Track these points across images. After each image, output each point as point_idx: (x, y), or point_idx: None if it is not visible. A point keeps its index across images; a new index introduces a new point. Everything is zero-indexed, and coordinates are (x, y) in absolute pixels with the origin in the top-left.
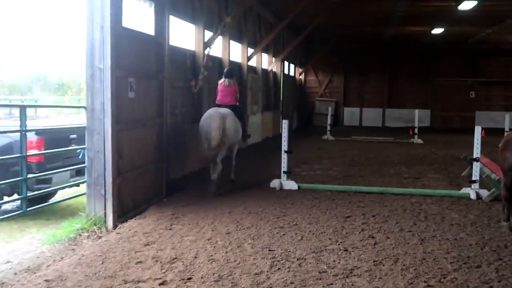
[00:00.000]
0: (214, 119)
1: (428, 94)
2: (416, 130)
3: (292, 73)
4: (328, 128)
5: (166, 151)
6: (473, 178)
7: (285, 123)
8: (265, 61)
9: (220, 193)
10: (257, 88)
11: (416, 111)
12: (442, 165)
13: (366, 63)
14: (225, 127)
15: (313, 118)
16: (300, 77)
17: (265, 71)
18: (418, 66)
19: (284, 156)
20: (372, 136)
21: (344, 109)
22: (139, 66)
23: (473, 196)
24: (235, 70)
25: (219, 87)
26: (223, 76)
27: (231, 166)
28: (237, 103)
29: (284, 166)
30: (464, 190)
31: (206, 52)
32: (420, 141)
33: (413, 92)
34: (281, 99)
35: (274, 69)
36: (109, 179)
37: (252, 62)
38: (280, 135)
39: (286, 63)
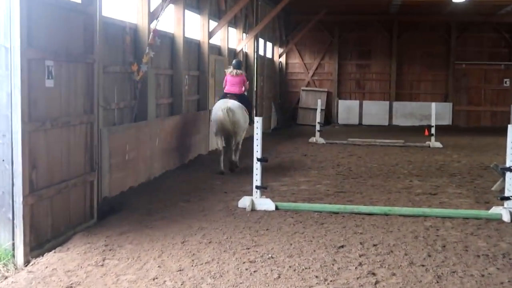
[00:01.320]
0: (224, 113)
1: (449, 83)
2: (433, 130)
3: (269, 55)
4: (318, 127)
5: (98, 160)
6: (507, 194)
7: (258, 122)
8: (233, 38)
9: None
10: (222, 74)
11: (433, 105)
12: (466, 176)
13: (367, 42)
14: (235, 120)
15: (297, 115)
16: (280, 59)
17: (233, 52)
18: (436, 46)
19: (257, 166)
20: (375, 139)
21: (339, 102)
22: (60, 44)
23: (506, 217)
24: (242, 61)
25: (227, 77)
26: (232, 66)
27: (236, 151)
28: (245, 92)
29: (257, 180)
30: (495, 210)
31: (152, 26)
32: (438, 144)
33: (429, 80)
34: (254, 89)
35: (246, 49)
36: (19, 198)
37: (216, 40)
38: (252, 137)
39: (261, 41)
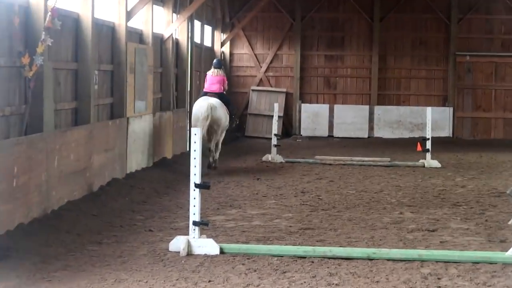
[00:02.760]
0: (203, 109)
1: (449, 81)
2: (428, 145)
3: (208, 42)
4: (274, 141)
5: None
6: None
7: (195, 134)
8: (159, 20)
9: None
10: (143, 69)
11: (428, 110)
12: (474, 206)
13: (340, 26)
14: (216, 117)
15: (246, 124)
16: (223, 49)
17: (159, 39)
18: (431, 32)
19: (194, 194)
20: (351, 156)
21: (302, 106)
22: None
23: None
24: (220, 60)
25: (208, 76)
26: (213, 66)
27: (216, 150)
28: (224, 92)
29: (194, 213)
30: None
31: (50, 3)
32: (435, 163)
33: (422, 78)
34: (189, 88)
35: (176, 35)
36: None
37: (136, 22)
38: (187, 154)
39: (197, 24)
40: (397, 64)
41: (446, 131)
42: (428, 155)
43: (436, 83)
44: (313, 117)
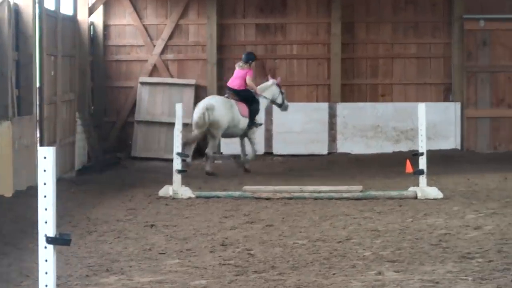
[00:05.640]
0: (197, 115)
1: (454, 61)
2: (422, 162)
3: (68, 10)
4: (177, 165)
5: None
6: None
7: (46, 156)
8: None
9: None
10: None
11: (422, 107)
12: (494, 259)
13: None
14: (213, 119)
15: (132, 138)
16: (92, 18)
17: None
18: None
19: (46, 254)
20: (300, 185)
21: None
22: None
23: None
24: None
25: (235, 70)
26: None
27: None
28: (247, 87)
29: (47, 284)
30: None
31: None
32: (434, 192)
33: (411, 56)
34: (38, 84)
35: None
36: None
37: None
38: (34, 189)
39: None
40: (372, 36)
41: (451, 141)
42: (423, 179)
43: (433, 65)
44: None
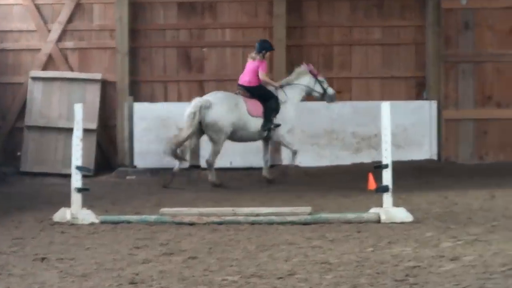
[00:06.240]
0: (191, 106)
1: (428, 49)
2: (387, 177)
3: None
4: (75, 182)
5: None
6: None
7: None
8: None
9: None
10: None
11: (385, 106)
12: None
13: None
14: (208, 120)
15: (22, 146)
16: None
17: None
18: None
19: None
20: (233, 207)
21: (136, 108)
22: None
23: None
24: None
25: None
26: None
27: (210, 166)
28: (258, 84)
29: None
30: None
31: None
32: (402, 214)
33: (375, 44)
34: None
35: None
36: None
37: None
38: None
39: None
40: (325, 17)
41: (425, 150)
42: (387, 198)
43: (402, 54)
44: (159, 130)
